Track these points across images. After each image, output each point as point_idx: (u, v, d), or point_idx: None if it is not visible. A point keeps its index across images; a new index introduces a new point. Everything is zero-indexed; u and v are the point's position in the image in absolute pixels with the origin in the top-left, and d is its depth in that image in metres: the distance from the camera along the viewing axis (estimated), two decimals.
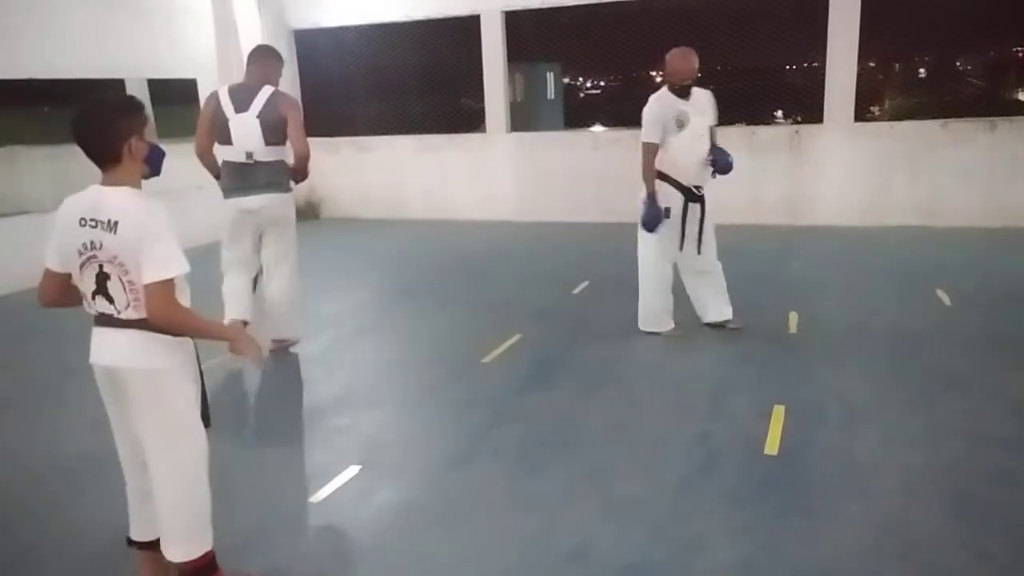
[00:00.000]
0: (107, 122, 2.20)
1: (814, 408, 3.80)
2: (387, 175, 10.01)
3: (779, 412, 3.74)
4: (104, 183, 2.23)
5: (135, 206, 2.18)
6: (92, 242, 2.18)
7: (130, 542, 2.60)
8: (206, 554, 2.49)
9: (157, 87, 8.33)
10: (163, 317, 2.18)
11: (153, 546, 2.59)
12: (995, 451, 3.31)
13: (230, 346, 2.47)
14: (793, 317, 5.19)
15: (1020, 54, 14.38)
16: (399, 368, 4.82)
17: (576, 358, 4.73)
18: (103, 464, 2.87)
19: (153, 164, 2.30)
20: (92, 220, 2.18)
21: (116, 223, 2.15)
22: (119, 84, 7.95)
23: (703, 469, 3.27)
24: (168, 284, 2.17)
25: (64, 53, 7.15)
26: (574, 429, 3.73)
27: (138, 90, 8.21)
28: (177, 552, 2.45)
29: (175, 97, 8.62)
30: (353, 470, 3.37)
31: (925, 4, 10.50)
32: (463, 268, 7.24)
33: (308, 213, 9.61)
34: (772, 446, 3.42)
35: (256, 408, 4.14)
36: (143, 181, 2.32)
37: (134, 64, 7.97)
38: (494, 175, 9.54)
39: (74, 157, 2.32)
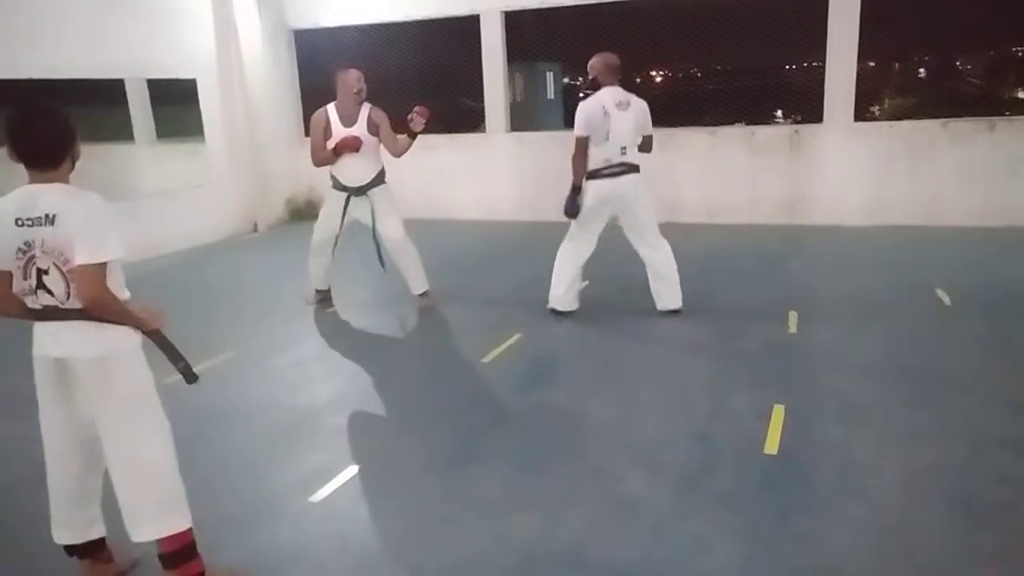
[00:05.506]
0: (60, 126, 2.28)
1: (814, 407, 3.80)
2: (386, 174, 9.97)
3: (779, 411, 3.74)
4: (36, 182, 2.26)
5: (72, 198, 2.23)
6: (31, 241, 2.22)
7: (70, 552, 2.52)
8: (181, 534, 2.40)
9: (157, 87, 8.32)
10: (92, 299, 2.21)
11: (94, 549, 2.53)
12: (995, 451, 3.31)
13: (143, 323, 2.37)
14: (793, 316, 5.19)
15: (1020, 54, 14.38)
16: (398, 368, 4.82)
17: (576, 358, 4.73)
18: None
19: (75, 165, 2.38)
20: (28, 219, 2.21)
21: (54, 216, 2.19)
22: (119, 84, 7.93)
23: (703, 469, 3.27)
24: (99, 268, 2.19)
25: (63, 53, 7.14)
26: (574, 429, 3.73)
27: (138, 90, 8.19)
28: (147, 532, 2.38)
29: (175, 97, 8.61)
30: (352, 470, 3.37)
31: (925, 4, 10.50)
32: (462, 268, 7.24)
33: (307, 213, 9.60)
34: (772, 445, 3.42)
35: (256, 407, 4.14)
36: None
37: (133, 64, 7.96)
38: (494, 175, 9.54)
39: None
